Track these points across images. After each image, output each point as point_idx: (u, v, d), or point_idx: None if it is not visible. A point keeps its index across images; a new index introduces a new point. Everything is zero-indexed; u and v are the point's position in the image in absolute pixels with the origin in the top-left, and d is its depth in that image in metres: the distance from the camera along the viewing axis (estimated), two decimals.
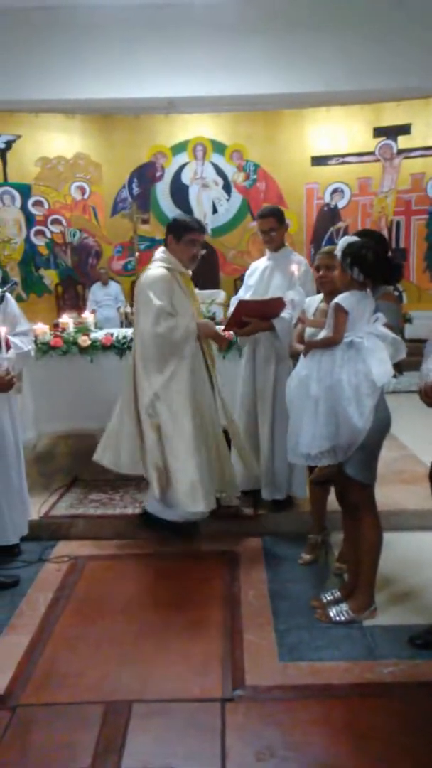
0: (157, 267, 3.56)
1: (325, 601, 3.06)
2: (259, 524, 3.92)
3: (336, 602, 3.02)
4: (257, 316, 3.65)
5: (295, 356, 3.22)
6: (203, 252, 3.66)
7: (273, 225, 3.81)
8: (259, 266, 4.00)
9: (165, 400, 3.48)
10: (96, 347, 4.53)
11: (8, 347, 3.14)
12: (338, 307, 2.72)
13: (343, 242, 2.76)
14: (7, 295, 3.44)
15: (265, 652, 2.72)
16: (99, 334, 4.66)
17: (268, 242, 3.87)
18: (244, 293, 3.97)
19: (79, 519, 3.98)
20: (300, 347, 3.04)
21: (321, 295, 3.33)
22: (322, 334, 2.86)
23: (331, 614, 2.95)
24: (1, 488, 3.45)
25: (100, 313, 8.15)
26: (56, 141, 9.64)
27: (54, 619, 3.02)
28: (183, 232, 3.55)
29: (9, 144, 9.39)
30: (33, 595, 3.25)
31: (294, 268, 3.61)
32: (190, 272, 3.75)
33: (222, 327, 3.90)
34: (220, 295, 7.91)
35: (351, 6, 6.15)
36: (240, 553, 3.62)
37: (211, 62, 6.29)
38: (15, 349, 3.26)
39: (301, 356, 2.95)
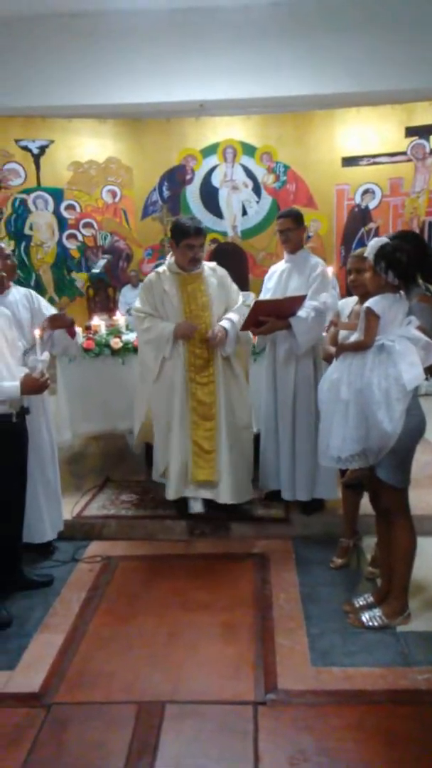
0: (153, 271, 3.83)
1: (357, 605, 3.04)
2: (289, 526, 3.91)
3: (369, 607, 3.00)
4: (274, 315, 3.65)
5: (328, 359, 3.22)
6: (207, 248, 3.75)
7: (289, 225, 3.82)
8: (277, 269, 4.02)
9: (153, 393, 3.76)
10: (128, 349, 4.57)
11: (72, 335, 3.49)
12: (369, 311, 2.71)
13: (374, 245, 2.74)
14: (33, 293, 3.61)
15: (298, 656, 2.72)
16: (130, 336, 4.70)
17: (284, 242, 3.90)
18: (263, 297, 3.96)
19: (111, 520, 4.02)
20: (332, 350, 3.04)
21: (355, 298, 3.31)
22: (354, 337, 2.85)
23: (364, 619, 2.93)
24: (39, 487, 3.52)
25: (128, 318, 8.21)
26: (88, 145, 9.74)
27: (87, 618, 3.06)
28: (180, 237, 3.66)
29: (42, 149, 9.51)
30: (66, 595, 3.29)
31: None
32: (205, 270, 3.79)
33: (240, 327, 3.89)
34: (250, 296, 7.88)
35: (380, 6, 6.08)
36: (270, 556, 3.61)
37: (240, 65, 6.28)
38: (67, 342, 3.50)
39: (334, 359, 2.94)
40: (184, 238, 3.63)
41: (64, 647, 2.83)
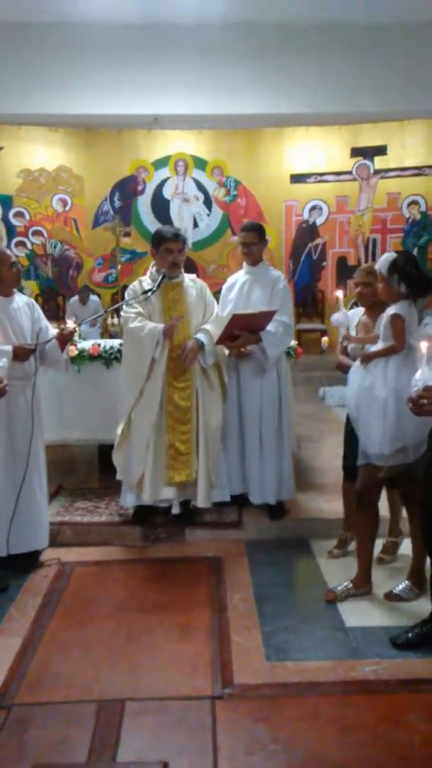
0: (132, 285, 3.90)
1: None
2: (242, 531, 4.02)
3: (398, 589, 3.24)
4: (247, 329, 3.78)
5: (341, 369, 3.52)
6: (181, 259, 3.82)
7: (254, 239, 3.98)
8: (237, 280, 4.14)
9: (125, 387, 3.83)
10: (83, 357, 4.60)
11: (63, 349, 3.62)
12: (397, 317, 3.02)
13: (385, 259, 3.07)
14: (33, 302, 3.76)
15: (253, 652, 2.81)
16: (86, 344, 4.73)
17: (247, 255, 4.04)
18: (223, 309, 4.07)
19: (65, 526, 4.03)
20: (347, 361, 3.40)
21: (362, 309, 3.57)
22: (379, 346, 3.11)
23: (398, 591, 3.21)
24: (39, 493, 3.63)
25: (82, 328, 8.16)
26: (38, 153, 9.74)
27: (44, 622, 3.08)
28: (159, 242, 3.77)
29: None
30: (22, 600, 3.29)
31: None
32: (185, 281, 3.89)
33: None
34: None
35: (333, 31, 6.38)
36: (224, 558, 3.70)
37: (195, 81, 6.45)
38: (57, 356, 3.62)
39: (357, 367, 3.18)
40: (163, 242, 3.73)
41: (21, 650, 2.84)
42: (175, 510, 3.94)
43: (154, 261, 3.84)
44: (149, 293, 3.71)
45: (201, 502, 3.85)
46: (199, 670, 2.69)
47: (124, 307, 3.82)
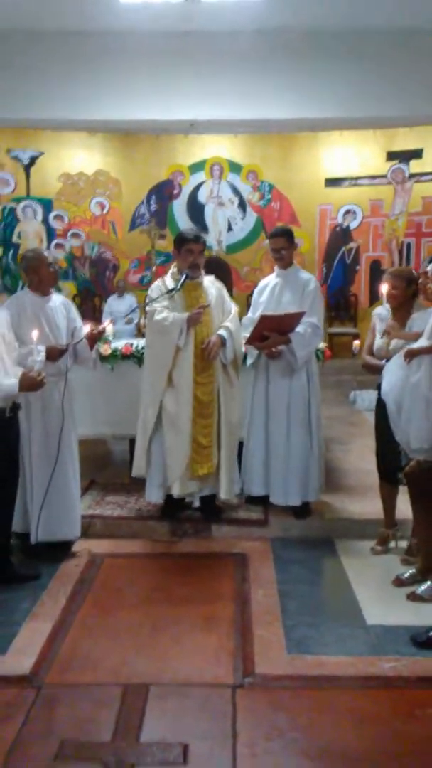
0: (156, 283, 4.05)
1: (403, 578, 3.39)
2: (268, 528, 4.09)
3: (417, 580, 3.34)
4: (276, 330, 3.86)
5: (368, 369, 3.66)
6: (201, 260, 3.94)
7: (284, 245, 4.06)
8: (268, 283, 4.22)
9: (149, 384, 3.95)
10: (116, 356, 4.73)
11: (92, 347, 3.78)
12: None
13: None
14: (69, 301, 3.93)
15: (274, 645, 2.89)
16: (119, 344, 4.87)
17: (278, 260, 4.12)
18: (254, 311, 4.16)
19: (96, 519, 4.16)
20: (374, 361, 3.55)
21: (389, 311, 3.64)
22: (422, 343, 3.15)
23: (420, 591, 3.25)
24: (73, 484, 3.77)
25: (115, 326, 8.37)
26: (78, 158, 9.94)
27: (74, 609, 3.20)
28: (180, 243, 3.90)
29: (33, 160, 9.68)
30: (54, 588, 3.42)
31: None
32: (205, 281, 3.99)
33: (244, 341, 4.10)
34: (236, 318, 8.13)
35: (364, 37, 6.42)
36: (250, 555, 3.78)
37: (230, 88, 6.55)
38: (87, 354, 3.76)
39: (398, 364, 3.23)
40: (185, 243, 3.86)
41: (52, 634, 2.97)
42: (196, 503, 4.03)
43: (176, 262, 3.96)
44: (173, 292, 3.83)
45: (224, 493, 3.97)
46: (222, 660, 2.77)
47: (153, 304, 3.94)
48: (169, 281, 3.95)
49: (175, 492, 3.92)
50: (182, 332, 3.77)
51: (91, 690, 2.58)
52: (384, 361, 3.50)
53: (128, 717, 2.41)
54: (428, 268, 3.19)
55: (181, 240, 3.91)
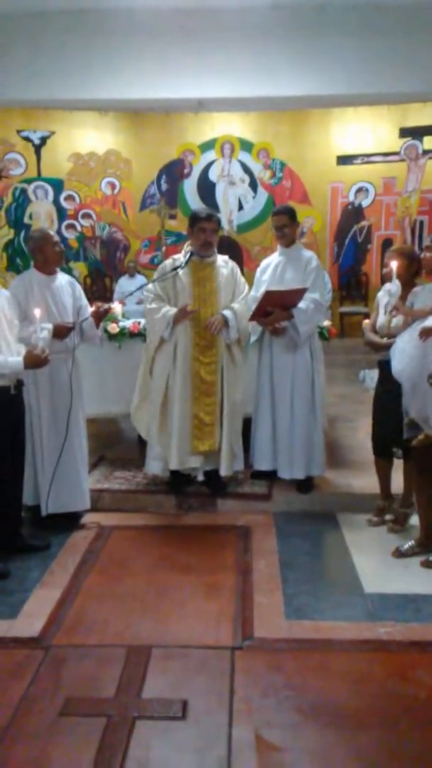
0: (164, 262, 4.12)
1: (402, 550, 3.49)
2: (271, 503, 4.18)
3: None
4: (279, 305, 3.92)
5: (372, 347, 3.67)
6: (214, 239, 3.99)
7: (286, 222, 4.10)
8: (271, 262, 4.26)
9: (155, 368, 4.07)
10: (124, 334, 4.81)
11: (98, 325, 3.91)
12: None
13: None
14: (74, 281, 3.99)
15: (273, 611, 2.99)
16: (127, 323, 4.95)
17: (280, 237, 4.17)
18: (257, 289, 4.21)
19: (105, 493, 4.28)
20: (377, 339, 3.59)
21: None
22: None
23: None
24: (79, 458, 3.89)
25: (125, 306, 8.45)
26: (88, 137, 9.96)
27: (82, 577, 3.33)
28: (194, 222, 3.96)
29: (43, 140, 9.72)
30: (63, 558, 3.55)
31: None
32: (218, 261, 4.04)
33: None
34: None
35: (376, 13, 6.34)
36: (253, 528, 3.88)
37: (239, 65, 6.51)
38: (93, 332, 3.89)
39: (411, 340, 3.25)
40: (197, 222, 3.92)
41: (61, 600, 3.09)
42: (200, 477, 4.13)
43: (190, 240, 4.01)
44: (176, 271, 3.90)
45: (224, 470, 4.06)
46: (222, 625, 2.88)
47: (148, 285, 4.06)
48: (179, 260, 4.00)
49: (172, 465, 4.03)
50: (168, 326, 3.89)
51: (96, 651, 2.71)
52: (386, 339, 3.55)
53: (131, 676, 2.53)
54: (428, 242, 3.20)
55: (194, 218, 3.97)
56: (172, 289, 3.99)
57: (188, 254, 3.92)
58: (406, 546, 3.50)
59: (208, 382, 3.97)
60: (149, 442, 4.17)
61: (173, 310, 3.90)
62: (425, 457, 3.35)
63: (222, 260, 4.10)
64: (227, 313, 3.96)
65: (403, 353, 3.28)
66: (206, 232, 3.91)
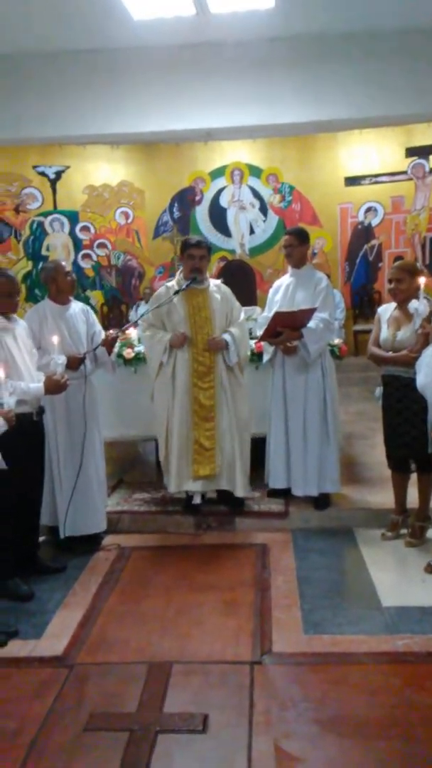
0: (159, 289, 4.25)
1: None
2: (288, 520, 4.23)
3: None
4: (289, 326, 4.01)
5: (376, 360, 3.79)
6: (217, 266, 4.16)
7: (292, 242, 4.22)
8: (282, 283, 4.37)
9: (156, 392, 4.17)
10: (139, 359, 4.92)
11: (110, 352, 4.04)
12: None
13: None
14: (88, 308, 4.14)
15: (292, 626, 3.04)
16: (142, 347, 5.05)
17: (288, 257, 4.30)
18: (269, 310, 4.31)
19: (125, 515, 4.36)
20: (381, 353, 3.69)
21: (394, 304, 3.78)
22: None
23: None
24: (94, 482, 3.98)
25: (140, 331, 8.61)
26: (102, 170, 10.25)
27: (104, 597, 3.40)
28: (183, 249, 4.11)
29: (59, 174, 10.02)
30: (84, 579, 3.63)
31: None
32: (211, 286, 4.14)
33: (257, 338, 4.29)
34: (256, 311, 8.29)
35: (370, 39, 6.52)
36: (271, 545, 3.93)
37: (244, 95, 6.70)
38: (106, 358, 4.02)
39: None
40: (187, 248, 4.07)
41: (83, 620, 3.17)
42: (196, 500, 4.22)
43: (182, 267, 4.14)
44: (172, 298, 4.01)
45: (240, 491, 4.13)
46: (241, 640, 2.93)
47: (142, 315, 4.18)
48: (173, 287, 4.12)
49: (171, 489, 4.13)
50: (165, 350, 4.03)
51: (118, 668, 2.77)
52: (390, 352, 3.62)
53: (153, 691, 2.59)
54: None
55: (183, 246, 4.12)
56: (166, 316, 4.08)
57: (189, 282, 4.01)
58: None
59: (207, 407, 4.06)
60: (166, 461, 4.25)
61: (168, 335, 4.01)
62: None
63: (214, 285, 4.21)
64: (227, 337, 4.06)
65: (429, 368, 3.28)
66: (195, 259, 4.02)
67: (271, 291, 4.49)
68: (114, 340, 4.01)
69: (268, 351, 4.31)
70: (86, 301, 10.30)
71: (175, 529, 4.25)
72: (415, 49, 6.59)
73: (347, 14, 6.13)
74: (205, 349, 4.03)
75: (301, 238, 4.25)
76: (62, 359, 3.48)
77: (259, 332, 4.23)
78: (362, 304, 10.15)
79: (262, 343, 4.32)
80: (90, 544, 4.00)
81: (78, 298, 4.17)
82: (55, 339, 3.49)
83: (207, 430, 4.06)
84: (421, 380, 3.33)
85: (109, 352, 4.01)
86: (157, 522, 4.31)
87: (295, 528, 4.16)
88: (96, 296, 10.38)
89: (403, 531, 3.92)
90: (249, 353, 4.33)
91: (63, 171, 10.05)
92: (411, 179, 10.01)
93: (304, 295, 4.23)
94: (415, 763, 2.16)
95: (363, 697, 2.50)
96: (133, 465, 5.55)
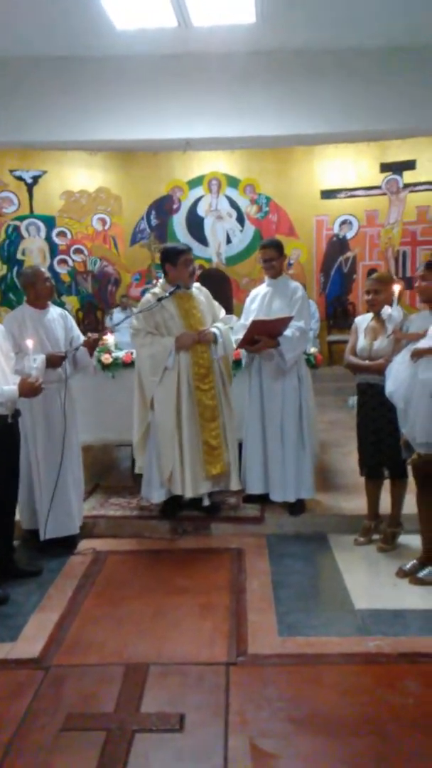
0: (145, 296, 4.27)
1: (405, 569, 3.54)
2: (264, 525, 4.29)
3: (420, 568, 3.53)
4: (266, 334, 4.09)
5: (352, 368, 3.87)
6: (199, 269, 4.18)
7: (273, 255, 4.30)
8: (259, 292, 4.45)
9: (156, 400, 4.13)
10: (117, 364, 4.96)
11: (91, 354, 4.05)
12: None
13: None
14: (66, 313, 4.13)
15: (267, 629, 3.08)
16: (120, 353, 5.09)
17: (268, 269, 4.36)
18: (246, 318, 4.39)
19: (100, 519, 4.37)
20: (355, 360, 3.80)
21: (371, 315, 3.88)
22: (426, 343, 3.28)
23: (422, 575, 3.47)
24: (70, 484, 3.98)
25: (118, 336, 8.61)
26: (79, 176, 10.25)
27: (80, 601, 3.41)
28: (176, 256, 4.14)
29: (35, 179, 9.99)
30: (60, 582, 3.64)
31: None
32: (193, 290, 4.23)
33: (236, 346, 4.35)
34: (233, 319, 8.37)
35: (348, 55, 6.71)
36: (246, 550, 3.98)
37: (223, 106, 6.84)
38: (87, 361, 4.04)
39: (404, 363, 3.36)
40: (181, 255, 4.12)
41: (59, 623, 3.17)
42: (206, 502, 4.26)
43: (170, 276, 4.16)
44: (160, 302, 4.06)
45: (234, 485, 4.27)
46: (217, 642, 2.97)
47: (133, 320, 4.21)
48: (159, 293, 4.16)
49: (188, 493, 4.13)
50: (171, 354, 4.05)
51: (95, 670, 2.78)
52: (367, 361, 3.72)
53: (130, 692, 2.61)
54: (421, 272, 3.33)
55: (176, 253, 4.14)
56: (162, 323, 4.12)
57: (175, 287, 4.07)
58: (409, 565, 3.58)
59: (210, 407, 4.14)
60: (151, 471, 4.24)
61: (171, 338, 4.05)
62: (422, 471, 3.46)
63: (196, 288, 4.30)
64: (215, 330, 4.17)
65: (397, 374, 3.40)
66: (192, 263, 4.14)
67: (247, 300, 4.56)
68: (96, 341, 4.03)
69: (244, 357, 4.39)
70: (62, 306, 10.25)
71: (151, 533, 4.27)
72: (392, 67, 6.79)
73: (327, 31, 6.29)
74: (203, 351, 4.10)
75: (280, 250, 4.35)
76: (38, 362, 3.49)
77: (237, 337, 4.29)
78: (336, 315, 10.31)
79: (240, 350, 4.39)
80: (65, 547, 3.99)
81: (54, 303, 4.19)
82: (30, 342, 3.49)
83: (212, 429, 4.15)
84: (389, 387, 3.44)
85: (91, 354, 4.04)
86: (133, 526, 4.33)
87: (270, 533, 4.22)
88: (72, 302, 10.36)
89: (376, 537, 4.00)
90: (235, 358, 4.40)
91: (40, 176, 10.03)
92: (385, 194, 10.23)
93: (280, 304, 4.32)
94: (387, 758, 2.23)
95: (336, 696, 2.55)
96: (109, 470, 5.56)
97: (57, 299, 10.14)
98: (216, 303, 4.41)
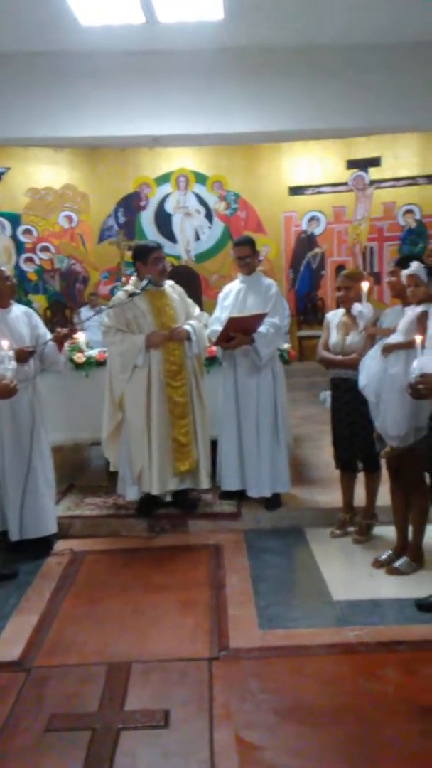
0: (117, 293, 4.28)
1: (381, 560, 3.61)
2: (241, 521, 4.31)
3: (395, 559, 3.58)
4: (241, 330, 4.11)
5: (325, 363, 3.93)
6: (170, 267, 4.23)
7: (248, 252, 4.32)
8: (233, 289, 4.47)
9: (126, 398, 4.13)
10: (90, 363, 4.92)
11: (60, 350, 3.99)
12: (425, 314, 3.23)
13: (418, 265, 3.29)
14: (31, 311, 4.04)
15: (247, 623, 3.11)
16: (93, 352, 5.06)
17: (243, 266, 4.37)
18: (220, 313, 4.40)
19: (76, 519, 4.34)
20: (330, 356, 3.85)
21: (342, 310, 3.94)
22: (397, 338, 3.32)
23: (398, 566, 3.52)
24: (42, 483, 3.93)
25: (88, 335, 8.54)
26: (44, 173, 10.13)
27: (59, 601, 3.39)
28: (147, 254, 4.14)
29: None
30: (38, 584, 3.61)
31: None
32: (166, 287, 4.23)
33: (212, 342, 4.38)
34: (204, 316, 8.38)
35: (317, 53, 6.73)
36: (224, 546, 4.00)
37: (192, 103, 6.79)
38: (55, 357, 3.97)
39: (376, 357, 3.39)
40: (152, 252, 4.11)
41: (39, 624, 3.15)
42: (168, 498, 4.29)
43: (141, 274, 4.16)
44: (132, 298, 4.06)
45: (204, 483, 4.29)
46: (199, 638, 2.99)
47: (104, 317, 4.18)
48: (130, 291, 4.15)
49: (155, 491, 4.13)
50: (140, 352, 4.05)
51: (77, 669, 2.77)
52: (340, 356, 3.78)
53: (113, 690, 2.61)
54: (413, 273, 3.28)
55: (147, 250, 4.14)
56: (133, 320, 4.12)
57: (146, 283, 4.07)
58: (384, 556, 3.64)
59: (181, 405, 4.14)
60: (124, 469, 4.25)
61: (141, 336, 4.04)
62: (394, 464, 3.52)
63: (169, 285, 4.30)
64: (188, 327, 4.16)
65: (369, 369, 3.45)
66: (162, 261, 4.14)
67: (220, 295, 4.57)
68: (65, 336, 3.99)
69: (219, 354, 4.42)
70: (29, 304, 10.13)
71: (128, 532, 4.26)
72: (358, 64, 6.84)
73: (294, 28, 6.31)
74: (175, 348, 4.09)
75: (254, 247, 4.39)
76: (12, 364, 3.44)
77: (214, 328, 4.29)
78: (306, 311, 10.41)
79: (215, 348, 4.41)
80: (41, 548, 3.96)
81: (20, 302, 4.13)
82: (5, 343, 3.45)
83: (182, 426, 4.15)
84: (362, 381, 3.49)
85: (60, 349, 4.00)
86: (110, 526, 4.32)
87: (248, 528, 4.25)
88: (39, 300, 10.24)
89: (351, 529, 4.06)
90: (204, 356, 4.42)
91: (4, 172, 9.88)
92: (352, 190, 10.36)
93: (254, 300, 4.34)
94: (369, 744, 2.27)
95: (318, 686, 2.59)
96: (83, 469, 5.52)
97: (23, 298, 10.02)
98: (190, 300, 4.42)
